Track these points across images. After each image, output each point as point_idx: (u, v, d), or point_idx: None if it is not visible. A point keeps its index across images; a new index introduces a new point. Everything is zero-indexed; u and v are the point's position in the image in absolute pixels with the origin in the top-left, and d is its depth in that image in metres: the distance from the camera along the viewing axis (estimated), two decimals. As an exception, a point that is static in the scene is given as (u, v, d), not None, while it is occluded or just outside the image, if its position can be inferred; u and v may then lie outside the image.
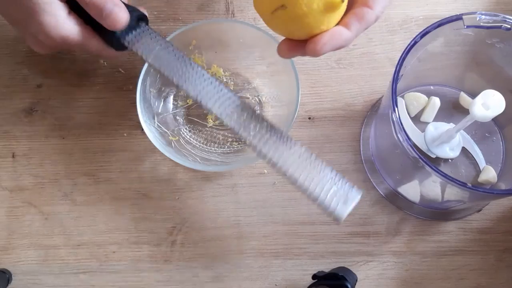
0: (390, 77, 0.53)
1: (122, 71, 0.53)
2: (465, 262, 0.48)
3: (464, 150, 0.49)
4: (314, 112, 0.52)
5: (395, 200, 0.49)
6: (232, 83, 0.52)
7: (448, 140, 0.47)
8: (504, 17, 0.40)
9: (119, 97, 0.52)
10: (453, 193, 0.43)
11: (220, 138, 0.51)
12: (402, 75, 0.41)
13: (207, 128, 0.51)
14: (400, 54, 0.39)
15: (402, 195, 0.49)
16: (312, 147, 0.51)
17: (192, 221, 0.49)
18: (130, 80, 0.52)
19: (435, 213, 0.49)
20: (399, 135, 0.39)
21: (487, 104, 0.40)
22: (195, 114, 0.51)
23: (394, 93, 0.39)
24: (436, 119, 0.50)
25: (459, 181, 0.37)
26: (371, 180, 0.50)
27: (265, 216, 0.49)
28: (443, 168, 0.49)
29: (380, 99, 0.52)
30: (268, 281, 0.48)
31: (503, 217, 0.49)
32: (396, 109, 0.38)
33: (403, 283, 0.48)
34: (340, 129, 0.51)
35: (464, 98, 0.50)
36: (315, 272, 0.45)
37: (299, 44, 0.36)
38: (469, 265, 0.48)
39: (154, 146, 0.45)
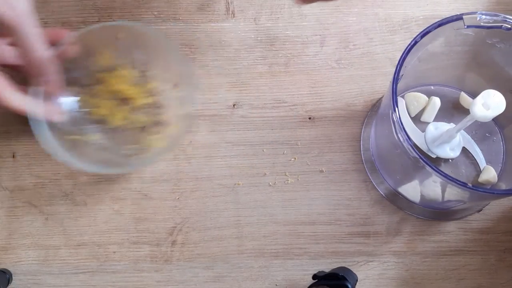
0: (391, 77, 0.53)
1: (122, 71, 0.53)
2: (465, 262, 0.48)
3: (464, 150, 0.49)
4: (314, 112, 0.52)
5: (395, 200, 0.49)
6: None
7: (448, 140, 0.47)
8: (504, 17, 0.40)
9: (119, 97, 0.52)
10: (453, 193, 0.43)
11: (125, 139, 0.49)
12: (402, 75, 0.41)
13: (111, 128, 0.49)
14: (400, 54, 0.39)
15: (402, 195, 0.49)
16: (312, 147, 0.51)
17: (192, 221, 0.49)
18: (130, 80, 0.52)
19: (436, 213, 0.49)
20: (399, 135, 0.39)
21: (488, 104, 0.40)
22: (100, 113, 0.49)
23: (395, 93, 0.39)
24: (437, 119, 0.50)
25: (459, 181, 0.37)
26: (371, 180, 0.50)
27: (265, 216, 0.49)
28: (444, 168, 0.48)
29: (380, 99, 0.52)
30: (268, 281, 0.48)
31: (504, 217, 0.49)
32: (396, 109, 0.38)
33: (403, 283, 0.48)
34: (340, 129, 0.51)
35: (464, 98, 0.50)
36: (315, 272, 0.45)
37: None
38: (469, 265, 0.48)
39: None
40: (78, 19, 0.54)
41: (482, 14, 0.40)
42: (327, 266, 0.48)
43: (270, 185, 0.50)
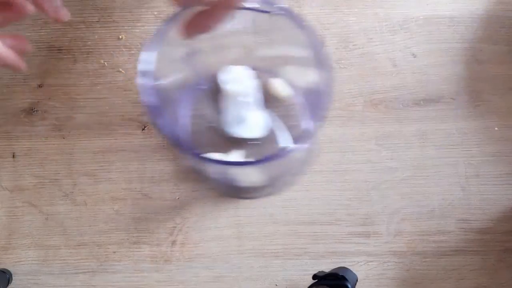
0: (391, 77, 0.53)
1: (122, 71, 0.53)
2: (465, 262, 0.48)
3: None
4: (314, 112, 0.52)
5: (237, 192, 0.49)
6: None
7: (244, 120, 0.46)
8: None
9: (119, 97, 0.52)
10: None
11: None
12: (149, 71, 0.38)
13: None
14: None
15: (239, 186, 0.48)
16: (312, 147, 0.51)
17: (192, 221, 0.49)
18: (130, 80, 0.52)
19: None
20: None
21: (237, 78, 0.40)
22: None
23: (149, 102, 0.37)
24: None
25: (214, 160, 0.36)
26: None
27: (265, 216, 0.49)
28: (251, 149, 0.47)
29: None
30: (268, 281, 0.48)
31: (504, 217, 0.49)
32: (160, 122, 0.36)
33: (403, 283, 0.48)
34: (340, 129, 0.51)
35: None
36: (315, 272, 0.45)
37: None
38: (469, 265, 0.48)
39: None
40: (78, 19, 0.54)
41: None
42: (327, 266, 0.48)
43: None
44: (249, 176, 0.45)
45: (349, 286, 0.42)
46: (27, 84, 0.53)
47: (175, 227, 0.49)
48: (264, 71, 0.50)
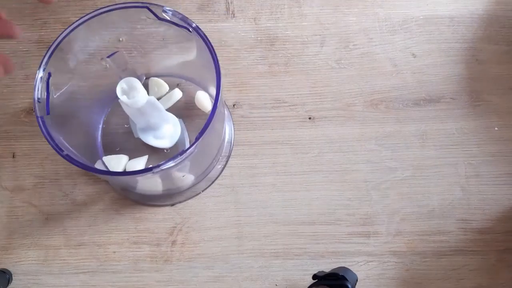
0: (391, 77, 0.53)
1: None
2: (465, 262, 0.48)
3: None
4: (314, 112, 0.52)
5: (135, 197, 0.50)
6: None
7: (153, 129, 0.47)
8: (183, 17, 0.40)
9: (119, 97, 0.52)
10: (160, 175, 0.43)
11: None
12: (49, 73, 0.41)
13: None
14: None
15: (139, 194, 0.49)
16: (312, 147, 0.51)
17: (192, 221, 0.49)
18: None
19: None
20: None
21: (128, 92, 0.41)
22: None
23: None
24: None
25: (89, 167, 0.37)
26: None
27: (265, 216, 0.49)
28: (160, 157, 0.48)
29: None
30: (268, 281, 0.48)
31: (503, 217, 0.49)
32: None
33: (403, 283, 0.48)
34: (340, 129, 0.51)
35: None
36: (315, 272, 0.45)
37: None
38: (469, 265, 0.48)
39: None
40: (78, 19, 0.54)
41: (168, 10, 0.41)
42: (327, 266, 0.48)
43: (270, 185, 0.50)
44: (145, 185, 0.47)
45: (349, 286, 0.42)
46: (27, 84, 0.53)
47: (175, 227, 0.49)
48: (194, 83, 0.51)
